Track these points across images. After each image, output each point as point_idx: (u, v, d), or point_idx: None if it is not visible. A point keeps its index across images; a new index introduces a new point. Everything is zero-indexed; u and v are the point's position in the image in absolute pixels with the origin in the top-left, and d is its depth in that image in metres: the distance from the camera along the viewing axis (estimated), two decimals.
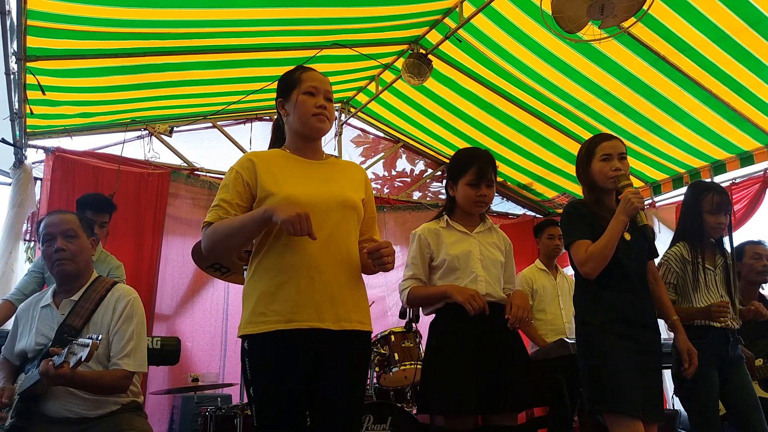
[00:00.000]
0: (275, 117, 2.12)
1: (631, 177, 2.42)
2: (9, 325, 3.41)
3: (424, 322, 5.35)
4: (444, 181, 6.35)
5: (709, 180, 4.73)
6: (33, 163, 4.37)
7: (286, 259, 1.84)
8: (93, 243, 2.35)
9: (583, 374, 2.28)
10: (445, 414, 2.27)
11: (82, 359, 1.81)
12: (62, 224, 2.26)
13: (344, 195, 1.93)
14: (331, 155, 2.12)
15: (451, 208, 2.49)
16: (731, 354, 2.65)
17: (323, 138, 2.06)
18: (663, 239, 5.06)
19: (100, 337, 1.84)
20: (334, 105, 2.45)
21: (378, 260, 1.86)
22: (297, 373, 1.79)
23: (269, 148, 2.12)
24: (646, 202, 5.47)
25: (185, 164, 4.99)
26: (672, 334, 2.52)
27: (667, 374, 2.90)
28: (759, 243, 3.30)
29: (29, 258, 4.15)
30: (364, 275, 1.99)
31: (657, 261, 2.74)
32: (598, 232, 2.26)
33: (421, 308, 2.56)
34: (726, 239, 2.83)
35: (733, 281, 2.78)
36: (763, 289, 3.39)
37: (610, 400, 2.13)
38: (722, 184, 4.85)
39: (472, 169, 2.37)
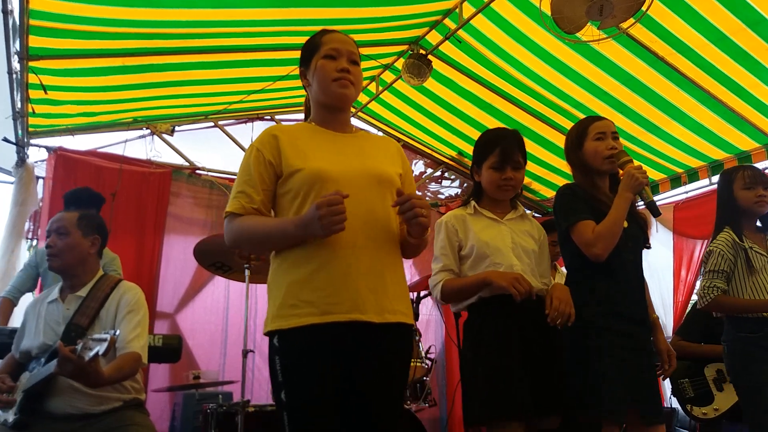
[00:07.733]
0: (305, 99, 1.89)
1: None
2: (13, 322, 3.45)
3: (423, 321, 5.39)
4: (442, 181, 6.46)
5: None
6: (35, 162, 4.39)
7: (319, 243, 1.58)
8: (94, 241, 2.36)
9: (567, 371, 2.08)
10: (495, 419, 1.99)
11: (99, 353, 1.77)
12: (57, 221, 2.33)
13: (381, 169, 1.72)
14: (362, 129, 1.90)
15: (478, 194, 2.27)
16: None
17: None
18: (661, 239, 5.09)
19: (117, 332, 1.82)
20: None
21: (410, 212, 1.58)
22: (334, 376, 1.56)
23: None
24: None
25: (187, 163, 5.00)
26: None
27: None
28: None
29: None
30: None
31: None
32: (597, 216, 2.09)
33: (450, 305, 2.28)
34: None
35: None
36: None
37: (592, 404, 1.98)
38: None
39: (495, 151, 2.17)
